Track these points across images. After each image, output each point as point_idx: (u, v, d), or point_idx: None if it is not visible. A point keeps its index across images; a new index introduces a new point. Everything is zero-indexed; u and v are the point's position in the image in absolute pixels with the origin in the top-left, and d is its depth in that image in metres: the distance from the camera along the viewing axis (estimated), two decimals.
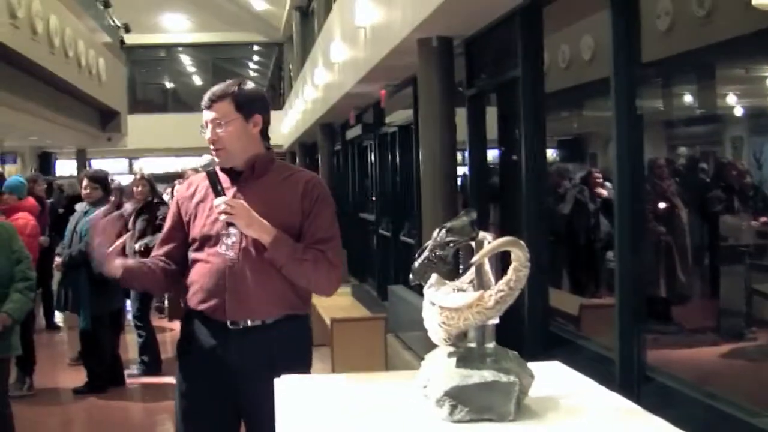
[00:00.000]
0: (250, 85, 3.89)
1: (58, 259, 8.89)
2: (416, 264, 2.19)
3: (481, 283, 2.15)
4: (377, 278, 15.34)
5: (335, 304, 10.56)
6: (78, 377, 9.23)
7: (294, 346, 3.84)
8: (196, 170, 9.48)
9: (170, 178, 14.84)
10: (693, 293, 6.72)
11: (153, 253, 4.10)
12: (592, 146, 8.97)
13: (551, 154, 8.56)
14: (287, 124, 28.63)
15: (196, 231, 3.84)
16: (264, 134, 3.89)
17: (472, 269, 2.17)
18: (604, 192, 7.62)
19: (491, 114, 9.27)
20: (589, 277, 8.24)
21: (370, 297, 13.50)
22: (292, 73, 30.82)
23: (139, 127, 27.63)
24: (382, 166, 15.32)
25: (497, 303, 2.06)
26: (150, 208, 9.53)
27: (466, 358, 2.12)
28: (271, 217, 3.68)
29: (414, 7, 8.37)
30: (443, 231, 2.17)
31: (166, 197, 10.66)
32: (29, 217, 9.20)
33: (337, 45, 13.91)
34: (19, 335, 6.24)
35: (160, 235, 4.19)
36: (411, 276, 2.20)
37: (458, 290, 2.18)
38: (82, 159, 27.45)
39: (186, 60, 39.31)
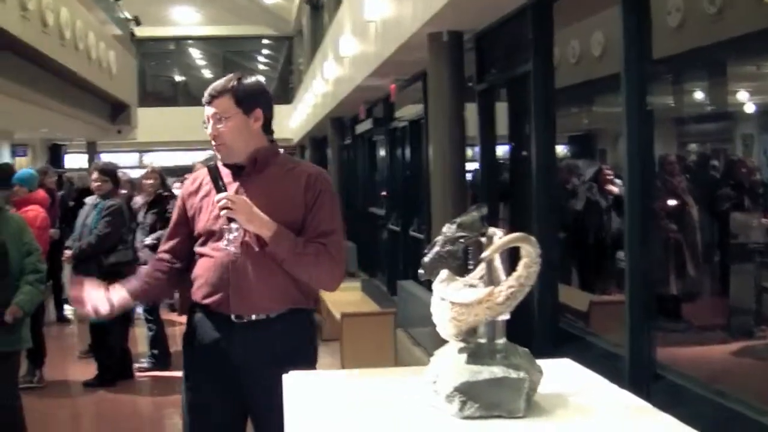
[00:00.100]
0: (250, 79, 3.89)
1: (68, 252, 8.90)
2: (426, 259, 2.19)
3: (491, 279, 2.14)
4: (387, 273, 15.33)
5: (345, 299, 10.57)
6: (88, 370, 9.26)
7: (298, 340, 3.84)
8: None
9: (180, 172, 14.83)
10: (703, 291, 6.71)
11: (159, 249, 4.11)
12: (601, 142, 8.96)
13: (561, 149, 8.55)
14: (297, 118, 28.63)
15: (200, 226, 3.86)
16: (266, 128, 3.89)
17: (483, 265, 2.16)
18: (615, 189, 7.61)
19: (501, 109, 9.26)
20: (599, 274, 8.23)
21: (380, 292, 13.48)
22: (302, 67, 30.80)
23: (149, 120, 27.65)
24: (391, 161, 15.32)
25: (507, 299, 2.05)
26: (160, 201, 9.56)
27: (476, 354, 2.12)
28: (273, 211, 3.69)
29: (424, 2, 8.36)
30: (453, 226, 2.17)
31: (176, 190, 10.67)
32: (39, 210, 9.22)
33: (347, 39, 13.90)
34: (29, 328, 6.25)
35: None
36: (421, 271, 2.20)
37: (468, 286, 2.18)
38: (92, 152, 27.47)
39: (196, 53, 39.33)
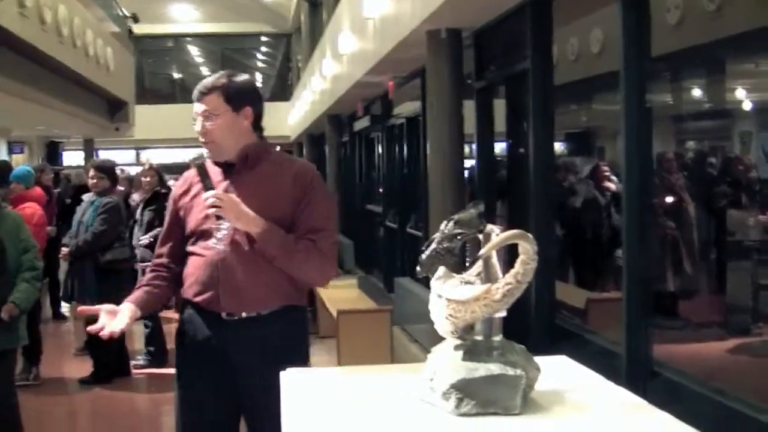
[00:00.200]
0: (241, 77, 3.89)
1: (64, 249, 8.89)
2: (424, 256, 2.18)
3: (488, 276, 2.14)
4: (383, 270, 15.33)
5: (342, 296, 10.59)
6: (84, 367, 9.26)
7: (291, 337, 3.84)
8: None
9: (178, 169, 14.83)
10: (700, 288, 6.72)
11: (156, 253, 4.11)
12: (599, 140, 8.96)
13: (559, 147, 8.55)
14: (295, 116, 28.64)
15: (191, 225, 3.86)
16: (256, 126, 3.88)
17: (480, 262, 2.16)
18: (612, 186, 7.61)
19: (499, 107, 9.25)
20: (596, 272, 8.23)
21: (377, 289, 13.47)
22: (300, 64, 30.81)
23: (147, 117, 27.66)
24: (389, 158, 15.31)
25: (504, 296, 2.05)
26: (158, 198, 9.55)
27: (472, 351, 2.12)
28: (264, 208, 3.68)
29: None
30: (451, 223, 2.17)
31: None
32: (36, 207, 9.22)
33: (346, 36, 13.89)
34: (25, 325, 6.25)
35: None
36: (418, 268, 2.20)
37: (466, 283, 2.17)
38: (89, 149, 27.48)
39: (194, 50, 39.32)
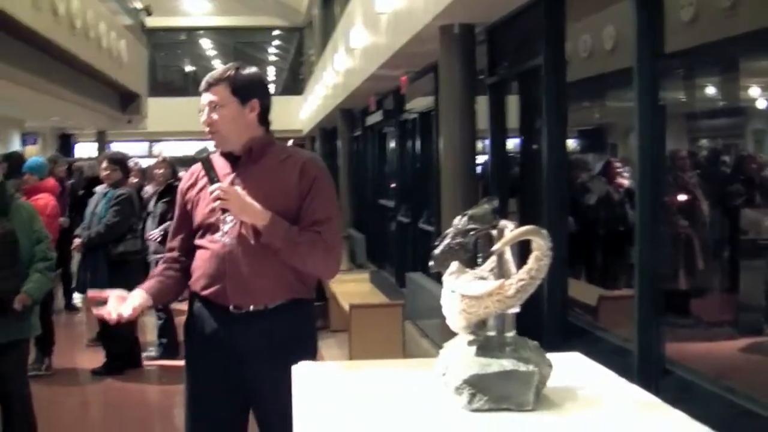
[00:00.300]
0: (248, 69, 3.91)
1: (77, 241, 8.91)
2: (437, 251, 2.18)
3: (501, 272, 2.14)
4: (395, 265, 15.33)
5: (354, 290, 10.60)
6: (96, 358, 9.29)
7: (298, 331, 3.84)
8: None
9: (190, 162, 14.84)
10: (712, 287, 6.70)
11: (167, 247, 4.13)
12: (611, 137, 8.93)
13: (571, 143, 8.52)
14: (307, 110, 28.65)
15: (198, 219, 3.88)
16: (263, 119, 3.90)
17: (494, 257, 2.16)
18: (624, 182, 7.58)
19: (512, 102, 9.24)
20: (609, 269, 8.20)
21: (389, 283, 13.48)
22: (312, 59, 30.80)
23: (159, 109, 27.69)
24: (401, 153, 15.31)
25: (518, 292, 2.05)
26: (171, 190, 9.54)
27: (485, 347, 2.12)
28: (269, 200, 3.70)
29: None
30: (464, 218, 2.17)
31: None
32: (49, 198, 9.24)
33: (358, 31, 13.89)
34: (38, 315, 6.26)
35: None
36: (431, 263, 2.20)
37: (479, 278, 2.17)
38: (101, 141, 27.53)
39: (207, 44, 39.37)
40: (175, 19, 35.39)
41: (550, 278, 2.13)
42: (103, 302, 3.72)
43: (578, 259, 8.10)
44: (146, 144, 37.03)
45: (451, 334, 2.25)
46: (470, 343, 2.15)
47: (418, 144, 14.00)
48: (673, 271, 6.45)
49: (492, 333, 2.15)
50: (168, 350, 9.67)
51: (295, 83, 37.80)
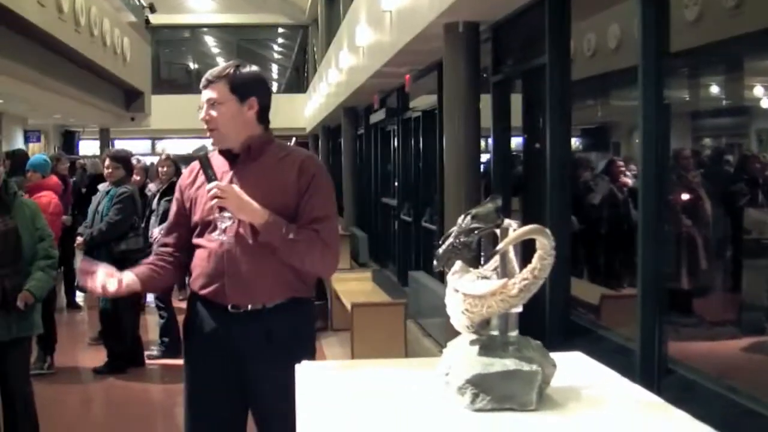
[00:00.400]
0: (248, 68, 3.92)
1: (79, 239, 8.91)
2: (440, 250, 2.18)
3: (505, 271, 2.13)
4: (398, 264, 15.34)
5: (356, 289, 10.59)
6: (98, 357, 9.29)
7: (297, 330, 3.84)
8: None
9: (193, 159, 14.86)
10: (715, 286, 6.69)
11: (161, 241, 4.13)
12: (615, 135, 8.93)
13: (574, 142, 8.52)
14: (311, 107, 28.66)
15: (196, 217, 3.89)
16: (262, 117, 3.90)
17: (497, 257, 2.15)
18: (628, 181, 7.57)
19: (516, 101, 9.23)
20: (611, 268, 8.19)
21: (391, 282, 13.48)
22: (316, 56, 30.82)
23: (163, 107, 27.67)
24: (405, 151, 15.31)
25: (521, 291, 2.05)
26: (174, 188, 9.54)
27: (488, 346, 2.11)
28: (267, 198, 3.70)
29: None
30: (468, 217, 2.16)
31: None
32: (52, 196, 9.24)
33: (363, 28, 13.89)
34: (40, 313, 6.26)
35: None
36: (435, 262, 2.19)
37: (482, 278, 2.17)
38: (105, 138, 27.55)
39: (210, 41, 39.36)
40: (179, 16, 35.39)
41: (552, 277, 2.12)
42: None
43: (581, 258, 8.10)
44: (149, 141, 37.07)
45: (454, 334, 2.25)
46: (473, 342, 2.14)
47: (421, 142, 14.00)
48: (676, 270, 6.45)
49: (495, 332, 2.15)
50: (170, 349, 9.66)
51: (298, 81, 37.84)
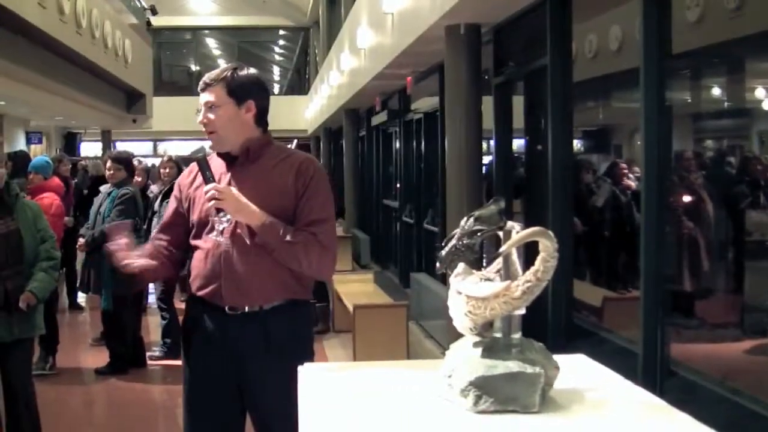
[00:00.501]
0: (245, 70, 3.93)
1: (81, 240, 8.92)
2: (443, 252, 2.18)
3: (508, 273, 2.13)
4: (400, 265, 15.34)
5: (358, 291, 10.58)
6: (100, 358, 9.29)
7: (294, 332, 3.85)
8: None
9: (190, 162, 14.88)
10: (717, 288, 6.69)
11: (156, 236, 4.14)
12: (616, 138, 8.92)
13: (575, 144, 8.52)
14: (312, 109, 28.67)
15: (194, 217, 3.90)
16: (260, 120, 3.91)
17: (500, 259, 2.15)
18: (632, 184, 7.57)
19: (518, 103, 9.23)
20: (614, 270, 8.18)
21: (393, 284, 13.50)
22: (317, 58, 30.83)
23: (164, 109, 27.68)
24: (406, 153, 15.32)
25: (524, 293, 2.04)
26: None
27: (491, 348, 2.11)
28: (265, 200, 3.71)
29: None
30: (471, 219, 2.16)
31: None
32: (54, 197, 9.23)
33: (364, 30, 13.89)
34: (42, 314, 6.27)
35: None
36: (438, 264, 2.19)
37: (485, 280, 2.17)
38: (106, 140, 27.56)
39: (212, 43, 39.40)
40: (180, 18, 35.41)
41: (554, 279, 2.12)
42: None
43: (582, 260, 8.10)
44: (151, 143, 37.08)
45: (456, 335, 2.25)
46: (476, 344, 2.14)
47: (423, 144, 14.01)
48: (678, 273, 6.45)
49: (498, 334, 2.14)
50: (172, 350, 9.65)
51: (300, 83, 37.85)
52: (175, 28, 36.06)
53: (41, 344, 8.62)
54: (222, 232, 3.74)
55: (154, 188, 10.94)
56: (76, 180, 13.72)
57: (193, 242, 3.89)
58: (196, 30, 37.92)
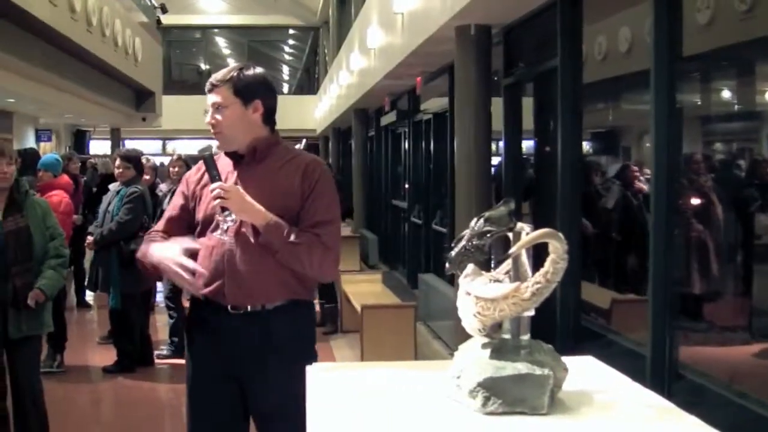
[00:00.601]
0: (252, 70, 3.92)
1: (89, 238, 8.93)
2: (453, 253, 2.17)
3: (517, 275, 2.13)
4: (408, 266, 15.33)
5: (366, 291, 10.58)
6: (107, 356, 9.30)
7: (296, 332, 3.85)
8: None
9: (198, 160, 14.91)
10: (726, 291, 6.67)
11: (160, 226, 4.11)
12: (626, 139, 8.91)
13: (585, 146, 8.51)
14: (321, 109, 28.68)
15: (199, 215, 3.90)
16: (268, 119, 3.91)
17: (509, 260, 2.15)
18: (644, 187, 7.56)
19: (527, 104, 9.22)
20: (623, 273, 8.17)
21: (401, 285, 13.50)
22: (327, 58, 30.84)
23: (174, 107, 27.73)
24: (415, 154, 15.31)
25: (534, 295, 2.04)
26: None
27: (500, 350, 2.11)
28: (270, 200, 3.71)
29: None
30: (481, 220, 2.16)
31: None
32: (63, 195, 9.24)
33: (374, 30, 13.89)
34: (51, 312, 6.27)
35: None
36: (447, 265, 2.19)
37: (494, 281, 2.17)
38: (116, 138, 27.60)
39: (221, 42, 39.45)
40: (190, 17, 35.47)
41: (563, 281, 2.11)
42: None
43: (590, 262, 8.08)
44: (160, 142, 37.13)
45: (464, 336, 2.25)
46: (485, 345, 2.14)
47: (432, 145, 14.00)
48: (687, 275, 6.43)
49: (507, 336, 2.14)
50: (179, 349, 9.65)
51: (309, 82, 37.88)
52: (185, 27, 36.12)
53: (49, 342, 8.64)
54: (226, 231, 3.73)
55: (162, 187, 10.95)
56: (85, 178, 13.73)
57: (198, 240, 3.89)
58: (205, 29, 37.98)
